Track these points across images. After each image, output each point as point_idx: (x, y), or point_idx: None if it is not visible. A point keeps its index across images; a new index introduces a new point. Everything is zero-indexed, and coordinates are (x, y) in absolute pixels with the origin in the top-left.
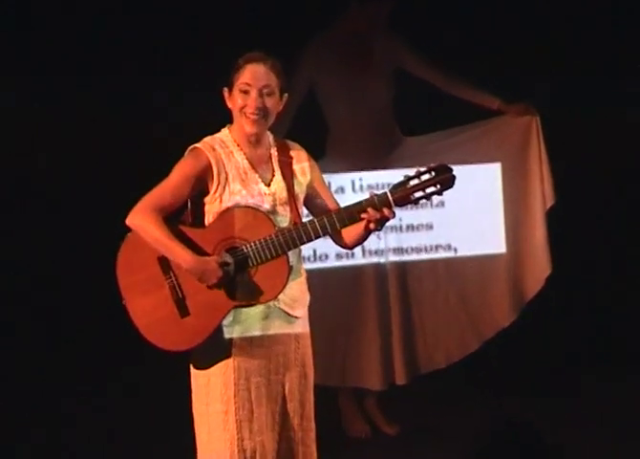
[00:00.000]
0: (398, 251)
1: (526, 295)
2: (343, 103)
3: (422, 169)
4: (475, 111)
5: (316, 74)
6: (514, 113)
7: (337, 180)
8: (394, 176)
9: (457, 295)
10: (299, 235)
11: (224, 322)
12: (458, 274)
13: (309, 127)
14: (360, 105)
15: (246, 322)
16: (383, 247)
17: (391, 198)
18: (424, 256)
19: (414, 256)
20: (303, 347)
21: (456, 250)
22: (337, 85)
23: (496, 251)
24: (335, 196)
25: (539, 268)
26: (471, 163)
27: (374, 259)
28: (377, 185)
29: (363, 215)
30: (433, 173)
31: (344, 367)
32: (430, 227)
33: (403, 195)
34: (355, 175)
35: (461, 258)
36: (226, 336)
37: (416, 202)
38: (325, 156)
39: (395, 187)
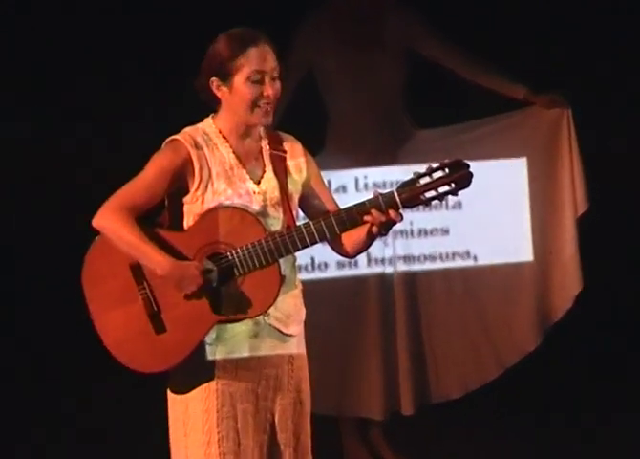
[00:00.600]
0: (408, 259)
1: (553, 314)
2: (345, 89)
3: (435, 165)
4: (497, 101)
5: (314, 54)
6: (542, 104)
7: (338, 177)
8: (403, 173)
9: (475, 313)
10: (293, 241)
11: (207, 340)
12: (476, 287)
13: (305, 117)
14: (365, 92)
15: (232, 341)
16: (390, 254)
17: (398, 198)
18: (439, 265)
19: (426, 265)
20: (298, 370)
21: (475, 257)
22: (338, 68)
23: (521, 260)
24: (336, 196)
25: (568, 283)
26: (492, 158)
27: (380, 269)
28: (384, 184)
29: (366, 218)
30: (447, 170)
31: (340, 394)
32: (445, 231)
33: (412, 195)
34: (359, 172)
35: (481, 268)
36: (209, 356)
37: (427, 203)
38: (324, 150)
39: (404, 186)
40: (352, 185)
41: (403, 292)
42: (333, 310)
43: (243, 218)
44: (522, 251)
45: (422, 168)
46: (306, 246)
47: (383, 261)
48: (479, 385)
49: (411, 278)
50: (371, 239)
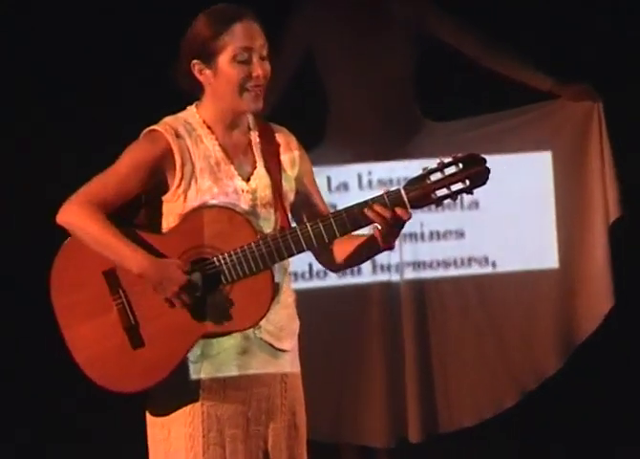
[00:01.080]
0: (418, 265)
1: (579, 334)
2: (348, 75)
3: (447, 160)
4: (520, 92)
5: (314, 36)
6: (570, 96)
7: (339, 173)
8: (413, 169)
9: (490, 329)
10: (287, 245)
11: (190, 357)
12: (492, 300)
13: (302, 106)
14: (370, 78)
15: (219, 358)
16: (398, 260)
17: (405, 197)
18: (452, 272)
19: (439, 272)
20: (292, 390)
21: (494, 264)
22: (341, 51)
23: (546, 267)
24: (337, 195)
25: (597, 299)
26: (513, 152)
27: (386, 277)
28: (391, 181)
29: (369, 213)
30: (460, 165)
31: (340, 419)
32: (460, 234)
33: (422, 193)
34: (363, 167)
35: (498, 276)
36: (193, 375)
37: (438, 202)
38: (323, 142)
39: (412, 183)
40: (355, 183)
41: (411, 303)
42: (333, 323)
43: (231, 219)
44: (547, 258)
45: (433, 163)
46: (301, 250)
47: (389, 268)
48: (493, 413)
49: (419, 288)
50: (371, 247)
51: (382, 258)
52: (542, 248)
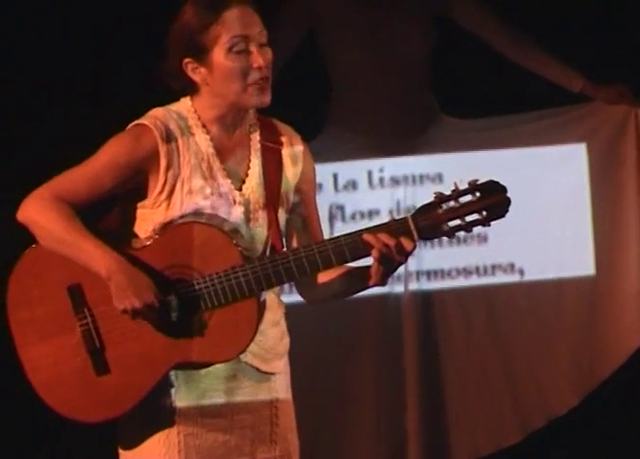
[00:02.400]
0: (436, 274)
1: (600, 370)
2: (356, 54)
3: (462, 188)
4: (548, 92)
5: (317, 7)
6: (605, 99)
7: (347, 170)
8: (429, 165)
9: (497, 355)
10: (277, 273)
11: (170, 381)
12: (500, 321)
13: (300, 91)
14: (382, 59)
15: (202, 383)
16: (412, 268)
17: (413, 227)
18: (474, 281)
19: (459, 282)
20: (283, 415)
21: (522, 271)
22: (349, 26)
23: (581, 274)
24: (345, 194)
25: (627, 329)
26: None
27: (386, 288)
28: (406, 179)
29: (369, 239)
30: (477, 193)
31: (332, 449)
32: (483, 238)
33: (432, 224)
34: (373, 163)
35: (508, 291)
36: (168, 402)
37: (450, 234)
38: (323, 132)
39: (422, 212)
40: (365, 181)
41: (417, 318)
42: (322, 342)
43: (215, 238)
44: (582, 265)
45: (447, 188)
46: (292, 279)
47: (399, 278)
48: (493, 450)
49: (426, 301)
50: (358, 280)
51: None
52: (576, 252)
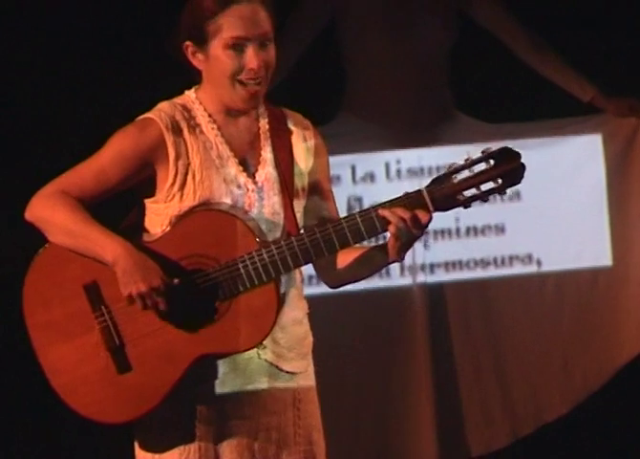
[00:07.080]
0: (454, 265)
1: (598, 375)
2: (377, 45)
3: (476, 156)
4: (559, 103)
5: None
6: (615, 111)
7: (365, 162)
8: (448, 156)
9: (490, 355)
10: (293, 254)
11: (186, 381)
12: (495, 321)
13: (315, 79)
14: (402, 50)
15: (218, 380)
16: (428, 260)
17: (428, 198)
18: (492, 273)
19: (477, 273)
20: (307, 416)
21: (539, 262)
22: (370, 14)
23: (599, 265)
24: (362, 186)
25: (634, 330)
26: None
27: (408, 280)
28: (423, 170)
29: (384, 213)
30: (492, 161)
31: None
32: (501, 229)
33: (447, 194)
34: (391, 155)
35: (542, 276)
36: (189, 402)
37: (465, 204)
38: (337, 118)
39: (436, 183)
40: (382, 173)
41: (428, 318)
42: (345, 338)
43: (230, 224)
44: (600, 256)
45: (460, 157)
46: (309, 261)
47: (423, 268)
48: (487, 451)
49: (449, 292)
50: (376, 258)
51: (407, 259)
52: (594, 243)
